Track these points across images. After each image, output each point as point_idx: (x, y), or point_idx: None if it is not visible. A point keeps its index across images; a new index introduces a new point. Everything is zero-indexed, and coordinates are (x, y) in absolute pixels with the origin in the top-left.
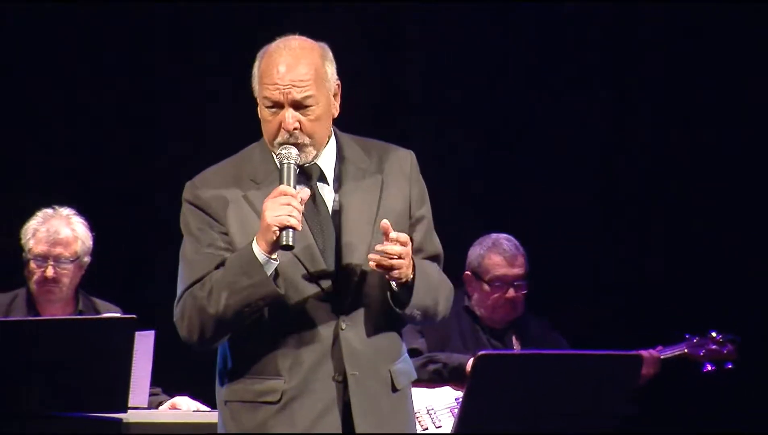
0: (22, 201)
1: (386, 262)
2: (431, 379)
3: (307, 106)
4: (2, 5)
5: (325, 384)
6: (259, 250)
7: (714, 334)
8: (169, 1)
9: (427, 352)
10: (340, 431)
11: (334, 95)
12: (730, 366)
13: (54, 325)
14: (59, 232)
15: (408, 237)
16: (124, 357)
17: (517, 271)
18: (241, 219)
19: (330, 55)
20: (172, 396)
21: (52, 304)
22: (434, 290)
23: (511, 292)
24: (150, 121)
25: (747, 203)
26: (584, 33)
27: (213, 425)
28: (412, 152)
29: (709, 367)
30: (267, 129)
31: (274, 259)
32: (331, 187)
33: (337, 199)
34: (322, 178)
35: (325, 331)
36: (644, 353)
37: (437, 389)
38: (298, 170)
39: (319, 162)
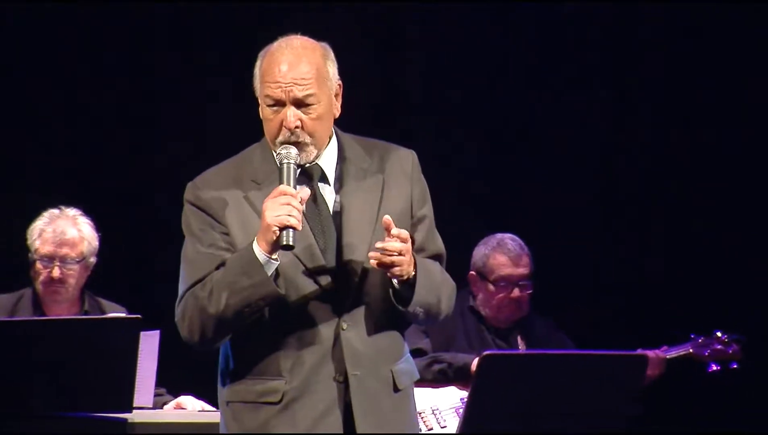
0: (22, 201)
1: (387, 259)
2: (436, 379)
3: (308, 105)
4: (2, 5)
5: (326, 384)
6: (259, 250)
7: (719, 334)
8: (169, 1)
9: (432, 352)
10: (341, 431)
11: (336, 95)
12: (735, 366)
13: (59, 325)
14: (65, 232)
15: (408, 233)
16: (129, 357)
17: (522, 270)
18: (242, 219)
19: (331, 55)
20: (176, 396)
21: (58, 304)
22: (436, 288)
23: (516, 292)
24: (150, 121)
25: (748, 203)
26: (584, 33)
27: (218, 425)
28: (413, 152)
29: (714, 367)
30: (268, 128)
31: (275, 259)
32: (332, 188)
33: (338, 199)
34: (323, 179)
35: (326, 331)
36: (649, 353)
37: (442, 389)
38: (299, 170)
39: (321, 162)
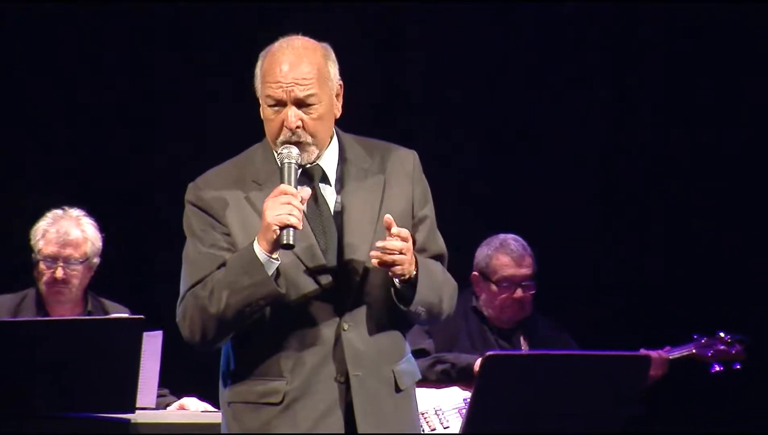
0: (22, 201)
1: (388, 257)
2: (439, 379)
3: (309, 105)
4: (2, 5)
5: (328, 385)
6: (260, 250)
7: (722, 335)
8: (169, 1)
9: (435, 353)
10: (342, 432)
11: (337, 95)
12: (738, 366)
13: (62, 326)
14: (69, 233)
15: (409, 232)
16: (132, 357)
17: (525, 271)
18: (243, 220)
19: (332, 55)
20: (179, 397)
21: (61, 304)
22: (438, 287)
23: (518, 293)
24: (150, 121)
25: (752, 202)
26: (584, 33)
27: (219, 426)
28: (414, 152)
29: (717, 368)
30: (269, 128)
31: (275, 259)
32: (333, 188)
33: (339, 199)
34: (324, 179)
35: (327, 331)
36: (652, 354)
37: (445, 389)
38: (300, 170)
39: (321, 163)
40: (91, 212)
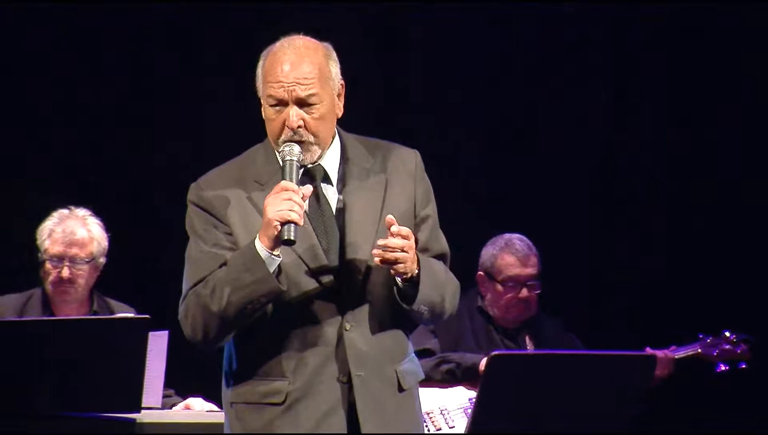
0: (22, 201)
1: (389, 255)
2: (444, 379)
3: (311, 105)
4: (2, 5)
5: (330, 385)
6: (261, 247)
7: (727, 334)
8: (169, 1)
9: (440, 352)
10: (345, 432)
11: (338, 95)
12: (743, 366)
13: (68, 325)
14: (75, 232)
15: (410, 230)
16: (137, 357)
17: (530, 270)
18: (246, 220)
19: (334, 55)
20: (185, 397)
21: (67, 304)
22: (441, 286)
23: (524, 292)
24: (149, 121)
25: (756, 201)
26: (584, 33)
27: (221, 425)
28: (416, 151)
29: (723, 367)
30: (271, 128)
31: (277, 256)
32: (335, 188)
33: (341, 199)
34: (326, 179)
35: (330, 331)
36: (658, 353)
37: (450, 389)
38: (302, 170)
39: (323, 163)
40: (91, 212)
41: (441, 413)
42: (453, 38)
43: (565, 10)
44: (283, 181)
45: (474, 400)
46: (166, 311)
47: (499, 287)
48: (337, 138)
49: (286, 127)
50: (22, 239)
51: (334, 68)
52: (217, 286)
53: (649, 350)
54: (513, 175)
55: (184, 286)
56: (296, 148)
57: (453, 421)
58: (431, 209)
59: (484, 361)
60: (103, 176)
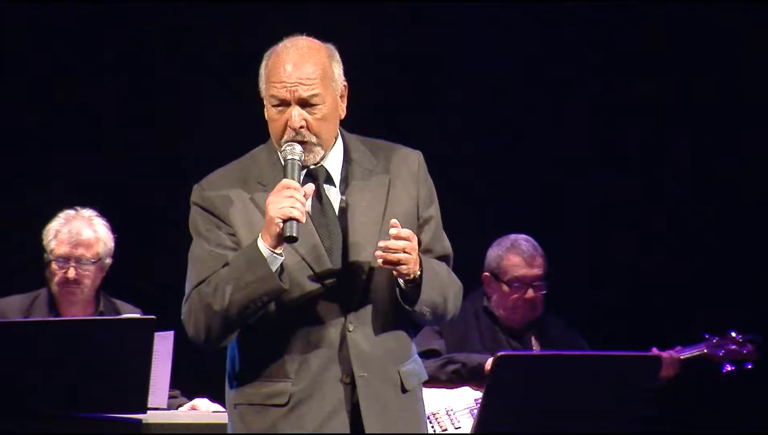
0: (22, 201)
1: (392, 256)
2: (450, 379)
3: (313, 105)
4: (2, 5)
5: (333, 386)
6: (263, 246)
7: (733, 334)
8: (169, 1)
9: (446, 353)
10: (348, 433)
11: (341, 96)
12: (749, 366)
13: (74, 326)
14: (81, 233)
15: (411, 232)
16: (143, 358)
17: (536, 271)
18: (248, 220)
19: (337, 56)
20: (191, 398)
21: (73, 305)
22: (443, 287)
23: (530, 293)
24: (149, 121)
25: (763, 200)
26: (584, 33)
27: (225, 426)
28: (419, 152)
29: (729, 368)
30: (273, 128)
31: (279, 254)
32: (337, 189)
33: (343, 200)
34: (329, 180)
35: (333, 332)
36: (663, 354)
37: (456, 390)
38: (305, 170)
39: (326, 163)
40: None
41: (447, 414)
42: (452, 38)
43: (565, 10)
44: (284, 180)
45: (480, 400)
46: (172, 312)
47: (505, 288)
48: (339, 139)
49: (288, 128)
50: (22, 239)
51: (337, 69)
52: (220, 285)
53: (655, 351)
54: (512, 175)
55: (187, 286)
56: (298, 147)
57: (459, 421)
58: (434, 210)
59: (489, 362)
60: (104, 177)
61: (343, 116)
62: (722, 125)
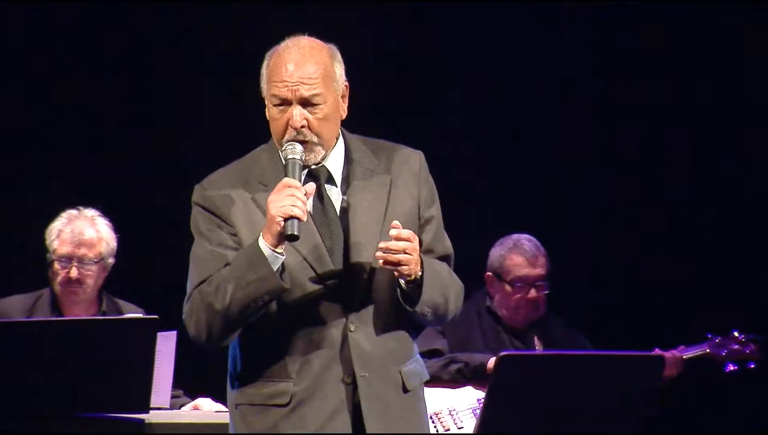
0: (22, 201)
1: (392, 257)
2: (453, 379)
3: (315, 105)
4: (2, 5)
5: (335, 386)
6: (265, 245)
7: (736, 334)
8: (169, 1)
9: (449, 353)
10: (350, 433)
11: (342, 96)
12: (752, 366)
13: (76, 326)
14: (84, 232)
15: (412, 232)
16: (146, 357)
17: (539, 271)
18: (250, 220)
19: (339, 56)
20: (194, 398)
21: (75, 304)
22: (444, 287)
23: (532, 293)
24: (150, 121)
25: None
26: (584, 33)
27: (226, 426)
28: (420, 152)
29: (732, 367)
30: (275, 127)
31: (280, 253)
32: (339, 189)
33: (345, 200)
34: (330, 180)
35: (334, 332)
36: (666, 354)
37: (459, 390)
38: (306, 170)
39: (327, 164)
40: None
41: (450, 414)
42: (452, 38)
43: (565, 10)
44: (285, 179)
45: (482, 400)
46: (175, 312)
47: (508, 288)
48: (341, 139)
49: (289, 127)
50: (22, 239)
51: (339, 69)
52: (221, 285)
53: (657, 351)
54: (512, 175)
55: (189, 286)
56: (299, 146)
57: (462, 421)
58: (435, 210)
59: (492, 361)
60: (104, 177)
61: (344, 116)
62: (722, 125)
